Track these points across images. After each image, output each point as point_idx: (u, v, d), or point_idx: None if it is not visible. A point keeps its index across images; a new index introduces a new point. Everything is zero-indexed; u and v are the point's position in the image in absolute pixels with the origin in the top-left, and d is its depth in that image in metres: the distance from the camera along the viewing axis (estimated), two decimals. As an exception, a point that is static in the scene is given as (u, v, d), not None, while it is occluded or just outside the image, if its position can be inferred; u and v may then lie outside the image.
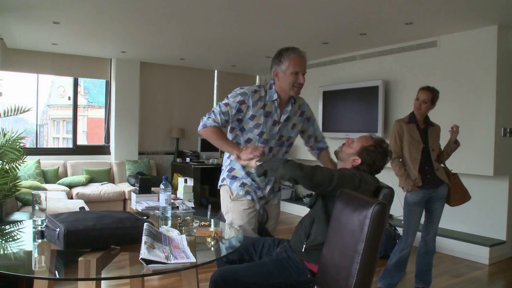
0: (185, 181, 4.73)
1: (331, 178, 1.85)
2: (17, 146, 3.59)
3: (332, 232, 1.78)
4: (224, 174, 2.41)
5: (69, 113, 6.50)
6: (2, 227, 2.18)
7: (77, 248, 1.66)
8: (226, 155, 2.40)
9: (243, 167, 2.30)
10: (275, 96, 2.29)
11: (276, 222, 2.54)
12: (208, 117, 2.24)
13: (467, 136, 3.87)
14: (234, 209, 2.34)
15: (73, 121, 6.46)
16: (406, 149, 3.15)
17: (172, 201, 4.13)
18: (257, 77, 7.94)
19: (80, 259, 1.55)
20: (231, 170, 2.37)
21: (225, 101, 2.25)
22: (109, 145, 6.70)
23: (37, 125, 6.31)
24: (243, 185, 2.32)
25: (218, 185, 2.45)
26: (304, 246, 1.91)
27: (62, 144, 7.72)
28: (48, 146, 7.21)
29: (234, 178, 2.35)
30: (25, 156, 3.77)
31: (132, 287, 2.34)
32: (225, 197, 2.40)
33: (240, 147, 2.16)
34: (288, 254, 1.97)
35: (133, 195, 4.73)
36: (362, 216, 1.61)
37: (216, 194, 2.51)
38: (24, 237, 2.07)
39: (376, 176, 2.05)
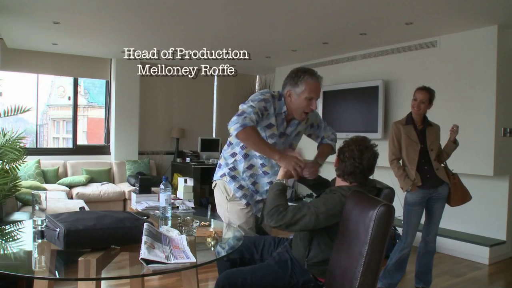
0: (185, 181, 4.72)
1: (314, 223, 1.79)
2: (17, 146, 3.59)
3: (341, 234, 1.75)
4: (224, 169, 2.35)
5: (69, 113, 6.50)
6: (2, 227, 2.18)
7: (77, 248, 1.66)
8: (229, 152, 2.33)
9: (247, 169, 2.28)
10: (284, 109, 2.22)
11: None
12: (244, 117, 2.04)
13: (467, 136, 3.87)
14: (231, 210, 2.33)
15: (73, 121, 6.46)
16: (404, 150, 3.17)
17: (172, 201, 4.13)
18: (257, 77, 7.93)
19: (80, 259, 1.55)
20: (233, 169, 2.32)
21: (250, 103, 2.11)
22: (109, 145, 6.70)
23: (37, 125, 6.31)
24: (241, 187, 2.31)
25: (214, 179, 2.40)
26: (306, 262, 1.90)
27: (62, 144, 7.71)
28: (48, 146, 7.20)
29: (234, 177, 2.32)
30: (25, 156, 3.77)
31: (132, 287, 2.34)
32: (220, 198, 2.37)
33: (280, 152, 2.06)
34: (290, 254, 1.97)
35: (133, 195, 4.73)
36: (367, 217, 1.59)
37: (216, 194, 2.49)
38: (24, 237, 2.07)
39: (376, 177, 2.03)
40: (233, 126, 2.03)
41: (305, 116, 2.23)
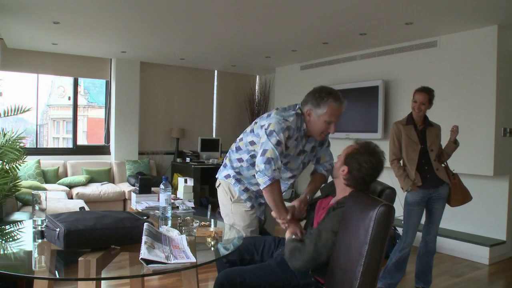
0: (185, 181, 4.72)
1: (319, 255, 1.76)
2: (17, 146, 3.59)
3: (341, 234, 1.75)
4: (229, 171, 2.33)
5: (69, 113, 6.50)
6: (2, 227, 2.18)
7: (77, 248, 1.66)
8: (237, 157, 2.29)
9: (252, 177, 2.24)
10: (304, 126, 2.16)
11: (275, 222, 2.52)
12: (274, 169, 2.00)
13: (467, 136, 3.87)
14: (235, 211, 2.32)
15: (73, 121, 6.46)
16: (404, 151, 3.17)
17: (172, 201, 4.13)
18: (257, 77, 7.93)
19: (80, 259, 1.55)
20: (238, 173, 2.30)
21: (275, 138, 2.02)
22: (109, 145, 6.70)
23: (37, 125, 6.31)
24: (246, 190, 2.30)
25: (219, 178, 2.38)
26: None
27: (62, 144, 7.72)
28: (48, 146, 7.20)
29: (239, 181, 2.31)
30: (25, 156, 3.77)
31: (132, 287, 2.34)
32: (225, 199, 2.36)
33: (287, 213, 2.04)
34: None
35: (133, 195, 4.73)
36: (367, 217, 1.59)
37: (216, 194, 2.48)
38: (24, 237, 2.07)
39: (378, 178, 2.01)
40: (262, 179, 2.00)
41: (323, 137, 2.19)
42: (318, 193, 2.25)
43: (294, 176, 2.29)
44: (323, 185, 2.31)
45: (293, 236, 1.93)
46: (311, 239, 1.78)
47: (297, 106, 2.18)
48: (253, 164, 2.22)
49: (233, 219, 2.32)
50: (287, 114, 2.13)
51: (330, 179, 2.28)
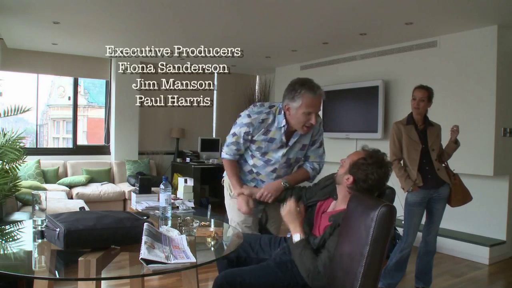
0: (185, 181, 4.73)
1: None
2: (17, 146, 3.59)
3: (342, 234, 1.74)
4: None
5: (69, 113, 6.50)
6: (2, 227, 2.18)
7: (77, 248, 1.66)
8: None
9: (248, 173, 2.34)
10: (283, 123, 2.16)
11: (280, 222, 2.50)
12: (225, 150, 2.30)
13: (467, 136, 3.87)
14: (233, 207, 2.36)
15: (73, 121, 6.46)
16: (405, 151, 3.16)
17: (172, 201, 4.13)
18: (257, 77, 7.93)
19: (80, 259, 1.55)
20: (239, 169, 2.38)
21: (233, 130, 2.23)
22: (109, 145, 6.70)
23: (37, 125, 6.31)
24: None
25: (224, 174, 2.46)
26: None
27: (62, 144, 7.70)
28: (48, 146, 7.19)
29: None
30: (25, 156, 3.76)
31: (132, 287, 2.34)
32: (226, 194, 2.44)
33: (239, 190, 2.26)
34: (290, 256, 1.95)
35: (133, 195, 4.73)
36: (368, 218, 1.58)
37: (216, 194, 2.52)
38: (24, 237, 2.07)
39: None
40: (223, 152, 2.34)
41: (307, 129, 2.17)
42: (318, 194, 2.23)
43: (275, 169, 2.29)
44: (322, 183, 2.30)
45: (300, 237, 1.86)
46: (325, 264, 1.74)
47: (278, 104, 2.22)
48: (246, 160, 2.31)
49: (231, 214, 2.38)
50: (256, 110, 2.20)
51: (320, 178, 2.29)
